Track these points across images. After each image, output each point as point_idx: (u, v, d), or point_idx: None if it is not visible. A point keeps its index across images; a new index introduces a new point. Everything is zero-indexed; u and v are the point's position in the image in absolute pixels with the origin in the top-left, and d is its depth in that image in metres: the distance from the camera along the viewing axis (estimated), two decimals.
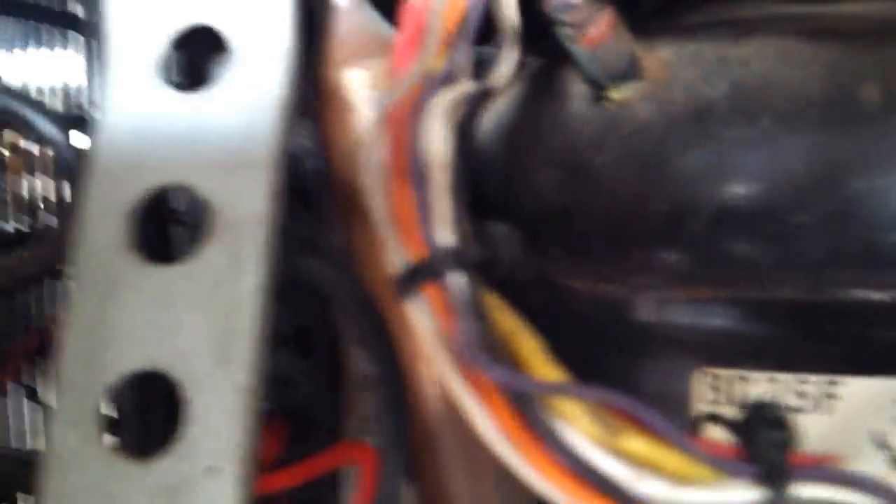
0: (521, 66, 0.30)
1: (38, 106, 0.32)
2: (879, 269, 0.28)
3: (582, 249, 0.32)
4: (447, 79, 0.23)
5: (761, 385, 0.29)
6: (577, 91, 0.32)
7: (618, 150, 0.31)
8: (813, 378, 0.29)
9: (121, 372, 0.24)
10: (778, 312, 0.30)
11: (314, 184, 0.30)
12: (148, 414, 0.29)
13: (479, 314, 0.20)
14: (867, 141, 0.28)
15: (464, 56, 0.23)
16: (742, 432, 0.21)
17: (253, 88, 0.26)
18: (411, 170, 0.21)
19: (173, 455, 0.24)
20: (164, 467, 0.23)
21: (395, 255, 0.21)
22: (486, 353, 0.20)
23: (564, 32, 0.29)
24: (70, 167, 0.30)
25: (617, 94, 0.31)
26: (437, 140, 0.22)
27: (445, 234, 0.21)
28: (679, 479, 0.20)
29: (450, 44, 0.23)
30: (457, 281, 0.21)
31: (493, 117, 0.35)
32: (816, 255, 0.29)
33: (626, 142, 0.31)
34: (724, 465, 0.20)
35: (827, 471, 0.21)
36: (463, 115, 0.23)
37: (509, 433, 0.20)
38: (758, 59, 0.30)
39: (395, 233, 0.21)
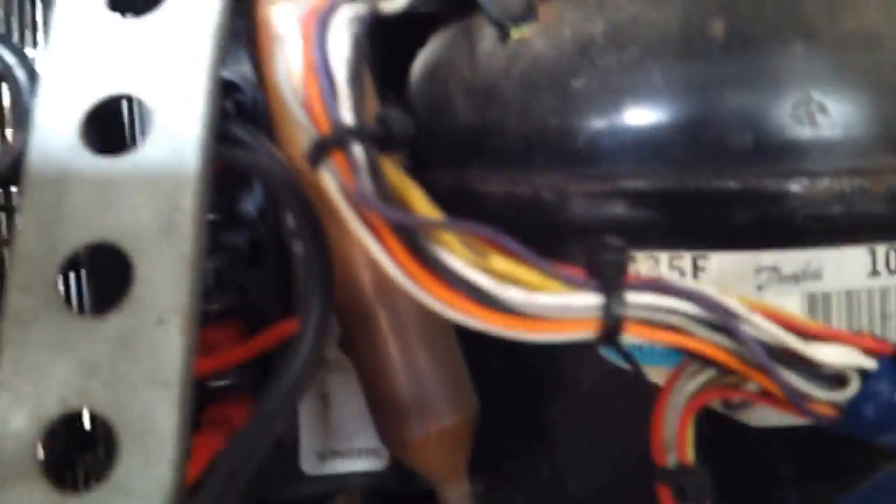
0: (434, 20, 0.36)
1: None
2: (729, 163, 0.35)
3: (495, 159, 0.39)
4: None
5: (645, 262, 0.36)
6: (485, 32, 0.40)
7: (520, 78, 0.39)
8: (685, 254, 0.35)
9: (73, 245, 0.27)
10: (654, 202, 0.36)
11: (253, 105, 0.36)
12: (100, 279, 0.33)
13: (375, 173, 0.26)
14: (713, 65, 0.36)
15: None
16: (590, 257, 0.27)
17: (192, 18, 0.30)
18: (318, 67, 0.27)
19: (125, 311, 0.26)
20: (117, 321, 0.26)
21: (308, 135, 0.27)
22: (381, 200, 0.25)
23: None
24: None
25: (517, 33, 0.39)
26: (339, 44, 0.27)
27: (347, 115, 0.27)
28: (534, 289, 0.26)
29: None
30: (357, 149, 0.26)
31: (421, 59, 0.43)
32: (679, 154, 0.35)
33: (526, 71, 0.39)
34: (571, 279, 0.26)
35: (658, 281, 0.27)
36: (357, 29, 0.29)
37: (402, 262, 0.26)
38: (628, 2, 0.38)
39: (306, 117, 0.27)
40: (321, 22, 0.26)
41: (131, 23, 0.30)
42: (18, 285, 0.26)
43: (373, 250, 0.25)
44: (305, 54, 0.26)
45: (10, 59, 0.31)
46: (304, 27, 0.27)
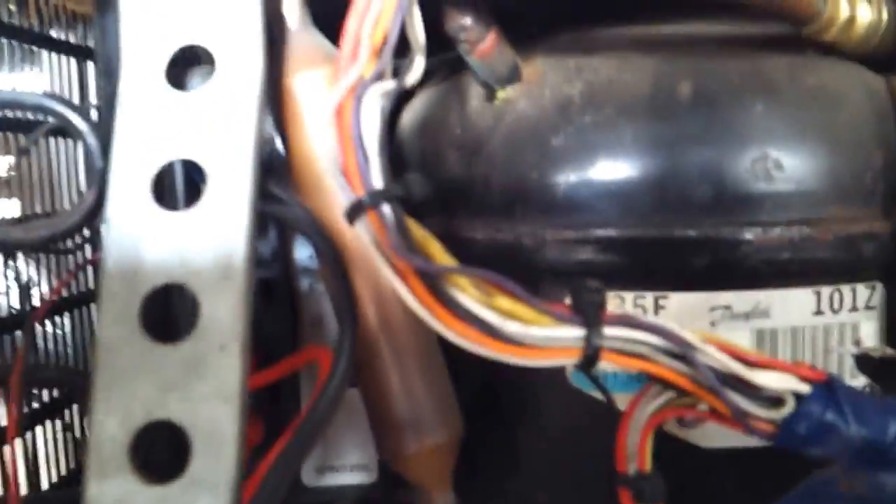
0: (428, 73, 0.45)
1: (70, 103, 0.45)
2: (690, 214, 0.44)
3: (480, 209, 0.48)
4: (376, 79, 0.38)
5: (612, 301, 0.45)
6: (473, 92, 0.50)
7: (504, 135, 0.48)
8: (647, 294, 0.45)
9: (151, 286, 0.35)
10: (621, 248, 0.44)
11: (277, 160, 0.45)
12: (171, 314, 0.42)
13: (402, 229, 0.35)
14: (679, 125, 0.45)
15: (386, 64, 0.38)
16: (573, 296, 0.37)
17: (235, 92, 0.40)
18: (355, 139, 0.36)
19: (194, 339, 0.34)
20: (188, 347, 0.34)
21: (345, 197, 0.36)
22: (408, 251, 0.35)
23: (462, 47, 0.46)
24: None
25: (502, 93, 0.48)
26: (371, 118, 0.37)
27: (378, 181, 0.36)
28: (530, 324, 0.35)
29: (378, 54, 0.38)
30: (387, 209, 0.36)
31: (412, 112, 0.52)
32: (645, 205, 0.45)
33: (510, 128, 0.48)
34: (560, 315, 0.35)
35: (630, 317, 0.36)
36: (386, 104, 0.38)
37: (424, 301, 0.34)
38: (604, 66, 0.47)
39: (344, 182, 0.36)
40: (357, 100, 0.36)
41: (187, 95, 0.38)
42: (107, 319, 0.35)
43: (400, 292, 0.34)
44: (344, 128, 0.36)
45: (83, 126, 0.41)
46: (342, 103, 0.36)
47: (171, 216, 0.37)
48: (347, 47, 0.37)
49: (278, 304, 0.48)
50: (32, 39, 0.64)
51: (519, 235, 0.46)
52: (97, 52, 0.44)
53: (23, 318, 0.57)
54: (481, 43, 0.45)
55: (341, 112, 0.36)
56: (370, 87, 0.36)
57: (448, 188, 0.49)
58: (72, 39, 0.71)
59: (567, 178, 0.46)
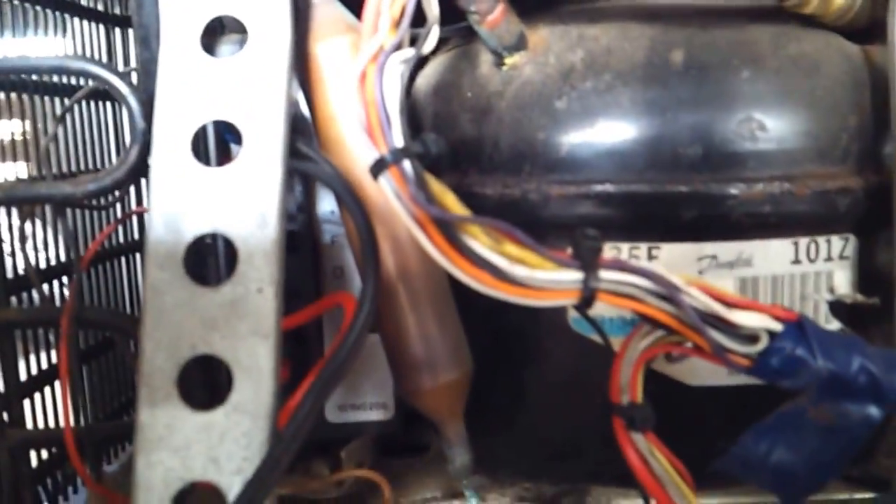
0: (442, 41, 0.48)
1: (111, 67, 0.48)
2: (681, 171, 0.48)
3: (490, 166, 0.51)
4: (395, 48, 0.41)
5: (609, 251, 0.48)
6: (483, 58, 0.53)
7: (512, 98, 0.51)
8: (641, 245, 0.49)
9: (193, 234, 0.38)
10: (618, 203, 0.48)
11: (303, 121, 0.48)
12: (211, 258, 0.45)
13: (420, 182, 0.39)
14: (672, 90, 0.48)
15: (405, 33, 0.41)
16: (573, 243, 0.40)
17: (266, 58, 0.43)
18: (378, 103, 0.39)
19: (234, 283, 0.37)
20: (228, 289, 0.37)
21: (369, 153, 0.40)
22: (427, 202, 0.38)
23: (472, 18, 0.49)
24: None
25: (510, 60, 0.51)
26: (392, 83, 0.40)
27: (399, 139, 0.39)
28: (535, 268, 0.39)
29: (396, 25, 0.41)
30: (407, 165, 0.39)
31: (426, 77, 0.56)
32: (640, 163, 0.48)
33: (517, 93, 0.51)
34: (561, 261, 0.38)
35: (623, 262, 0.39)
36: (405, 70, 0.41)
37: (441, 248, 0.37)
38: (604, 35, 0.50)
39: (368, 140, 0.40)
40: (379, 67, 0.40)
41: (222, 62, 0.42)
42: (153, 263, 0.39)
43: (420, 239, 0.36)
44: (368, 92, 0.39)
45: (125, 90, 0.44)
46: (365, 70, 0.40)
47: (211, 172, 0.40)
48: (369, 19, 0.40)
49: (303, 254, 0.51)
50: (61, 6, 0.66)
51: (525, 191, 0.50)
52: (134, 22, 0.46)
53: (71, 266, 0.60)
54: (490, 14, 0.48)
55: (364, 78, 0.39)
56: (390, 56, 0.40)
57: (460, 148, 0.52)
58: (99, 7, 0.75)
59: (569, 138, 0.49)
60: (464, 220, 0.37)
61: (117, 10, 0.76)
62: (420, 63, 0.56)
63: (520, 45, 0.51)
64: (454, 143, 0.52)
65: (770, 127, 0.47)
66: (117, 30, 0.76)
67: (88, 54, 0.72)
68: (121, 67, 0.75)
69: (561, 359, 0.53)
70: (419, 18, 0.42)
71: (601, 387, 0.40)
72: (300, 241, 0.51)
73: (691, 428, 0.48)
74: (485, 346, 0.50)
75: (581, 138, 0.49)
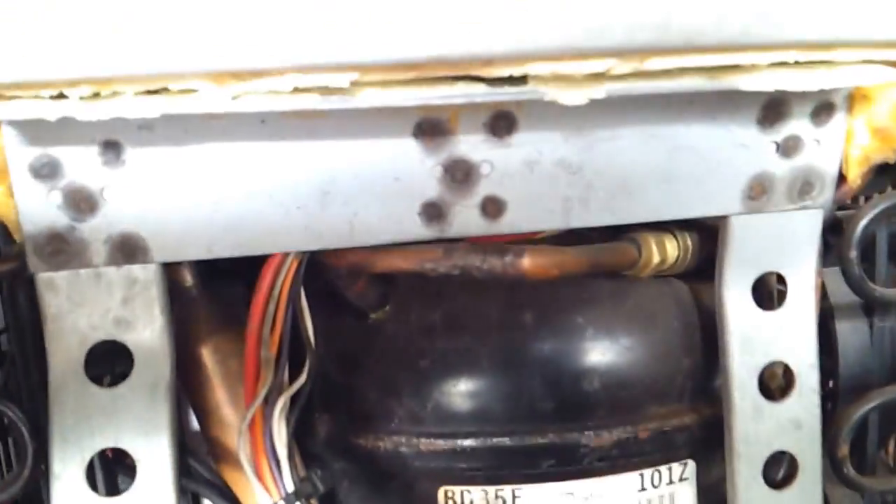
0: None
1: None
2: (538, 423, 0.51)
3: (361, 416, 0.53)
4: (279, 389, 0.44)
5: (476, 493, 0.51)
6: (353, 313, 0.55)
7: (378, 353, 0.54)
8: (505, 488, 0.52)
9: None
10: (483, 454, 0.51)
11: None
12: None
13: None
14: (528, 341, 0.52)
15: (284, 369, 0.44)
16: None
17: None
18: (268, 453, 0.43)
19: None
20: None
21: (262, 498, 0.43)
22: None
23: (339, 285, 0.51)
24: None
25: (374, 315, 0.54)
26: (279, 432, 0.43)
27: (289, 483, 0.42)
28: None
29: (276, 365, 0.44)
30: None
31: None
32: (502, 417, 0.52)
33: (384, 349, 0.53)
34: None
35: None
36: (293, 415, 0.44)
37: None
38: (460, 291, 0.53)
39: (259, 485, 0.43)
40: (265, 418, 0.42)
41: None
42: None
43: None
44: (257, 443, 0.42)
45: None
46: (253, 421, 0.42)
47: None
48: (250, 368, 0.43)
49: None
50: None
51: (396, 444, 0.52)
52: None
53: None
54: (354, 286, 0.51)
55: (253, 429, 0.42)
56: (275, 405, 0.42)
57: (333, 394, 0.54)
58: None
59: (434, 395, 0.52)
60: None
61: None
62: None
63: (382, 302, 0.54)
64: (327, 388, 0.54)
65: (614, 378, 0.51)
66: None
67: None
68: None
69: None
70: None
71: None
72: None
73: None
74: None
75: (444, 396, 0.52)
